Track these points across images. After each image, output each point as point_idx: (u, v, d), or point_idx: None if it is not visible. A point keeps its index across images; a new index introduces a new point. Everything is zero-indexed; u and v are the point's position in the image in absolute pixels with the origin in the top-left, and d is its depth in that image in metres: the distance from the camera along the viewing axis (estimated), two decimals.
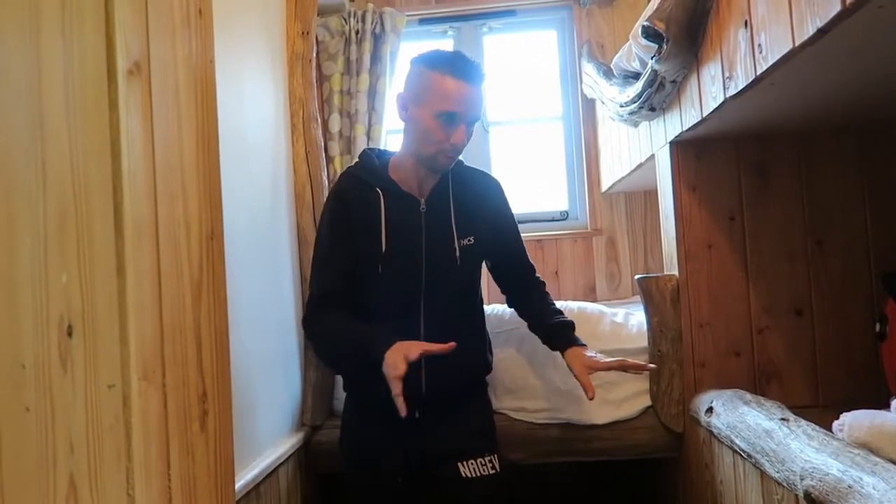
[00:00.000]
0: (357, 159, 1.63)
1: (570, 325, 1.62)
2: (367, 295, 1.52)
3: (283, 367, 1.76)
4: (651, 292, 1.75)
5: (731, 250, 1.73)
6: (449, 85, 1.43)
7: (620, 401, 1.78)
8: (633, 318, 1.90)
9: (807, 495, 1.01)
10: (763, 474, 1.21)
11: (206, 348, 0.76)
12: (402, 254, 1.51)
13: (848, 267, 1.69)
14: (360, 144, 2.97)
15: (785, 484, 1.11)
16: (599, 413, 1.77)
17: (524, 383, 1.81)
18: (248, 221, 1.60)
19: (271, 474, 1.53)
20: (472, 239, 1.57)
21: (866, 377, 1.64)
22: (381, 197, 1.51)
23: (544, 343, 1.64)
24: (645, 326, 1.78)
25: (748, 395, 1.44)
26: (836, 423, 1.20)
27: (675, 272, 1.74)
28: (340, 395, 1.91)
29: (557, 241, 2.98)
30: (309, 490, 1.81)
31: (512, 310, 1.77)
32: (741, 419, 1.32)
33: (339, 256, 1.51)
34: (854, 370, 1.65)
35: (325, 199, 1.70)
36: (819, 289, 1.69)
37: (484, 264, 1.69)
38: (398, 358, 1.31)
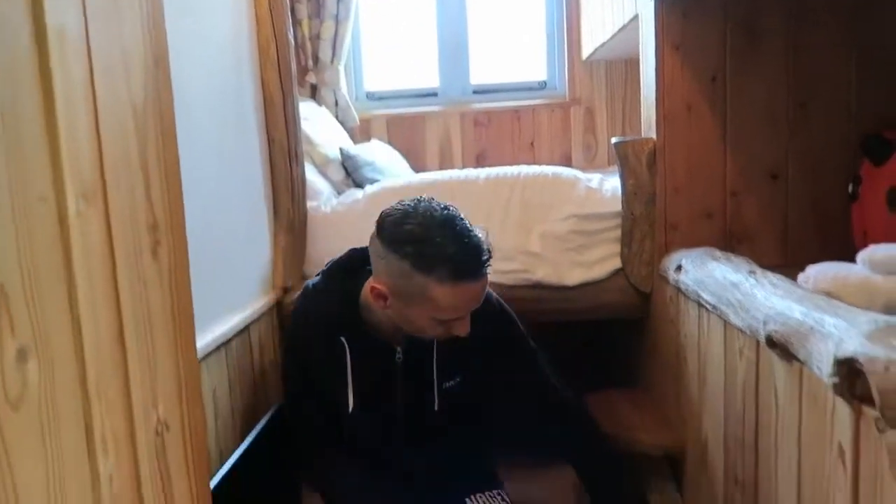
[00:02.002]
0: (322, 277, 1.34)
1: (618, 478, 1.40)
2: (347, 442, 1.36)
3: (250, 231, 1.72)
4: (627, 155, 1.71)
5: (711, 112, 1.68)
6: (453, 294, 1.11)
7: (592, 263, 1.79)
8: (607, 184, 1.87)
9: (768, 339, 1.03)
10: (726, 324, 1.24)
11: (155, 180, 0.71)
12: (374, 411, 1.32)
13: (829, 131, 1.66)
14: (330, 6, 2.81)
15: (748, 331, 1.13)
16: (570, 275, 1.78)
17: (496, 245, 1.80)
18: (207, 76, 1.50)
19: (242, 332, 1.53)
20: (458, 379, 1.33)
21: (836, 240, 1.65)
22: (347, 347, 1.26)
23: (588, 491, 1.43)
24: (619, 191, 1.76)
25: (717, 252, 1.45)
26: (801, 276, 1.22)
27: (653, 136, 1.70)
28: (313, 258, 1.90)
29: (534, 111, 2.91)
30: (285, 352, 1.83)
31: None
32: (709, 274, 1.33)
33: (311, 405, 1.36)
34: (824, 233, 1.66)
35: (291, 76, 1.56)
36: (797, 153, 1.67)
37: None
38: None
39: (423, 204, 1.14)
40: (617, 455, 1.43)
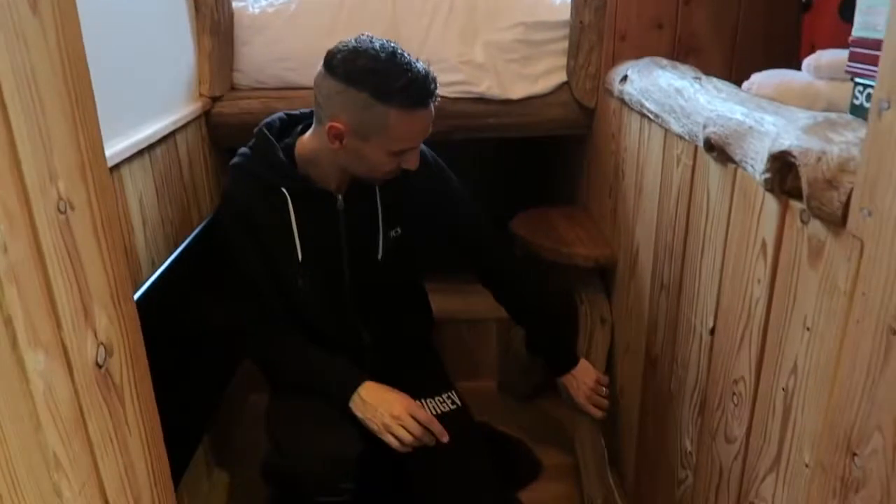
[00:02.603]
0: (253, 139, 1.31)
1: (566, 339, 1.52)
2: (292, 306, 1.35)
3: (170, 28, 1.57)
4: None
5: None
6: (409, 121, 1.16)
7: (536, 76, 1.73)
8: None
9: (706, 142, 1.02)
10: (667, 132, 1.22)
11: None
12: (322, 262, 1.32)
13: None
14: None
15: (687, 137, 1.12)
16: (515, 88, 1.72)
17: (438, 55, 1.71)
18: None
19: (167, 139, 1.44)
20: (399, 230, 1.38)
21: (783, 54, 1.62)
22: (289, 198, 1.27)
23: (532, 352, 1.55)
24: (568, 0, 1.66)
25: (664, 61, 1.41)
26: (745, 83, 1.19)
27: None
28: (242, 66, 1.77)
29: None
30: (215, 163, 1.76)
31: None
32: (654, 82, 1.30)
33: (259, 273, 1.31)
34: (773, 47, 1.63)
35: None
36: None
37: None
38: (407, 424, 1.21)
39: (366, 40, 1.17)
40: (556, 312, 1.55)
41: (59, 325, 0.58)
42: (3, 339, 0.50)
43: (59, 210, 0.59)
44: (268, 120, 1.33)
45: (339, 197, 1.31)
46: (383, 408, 1.23)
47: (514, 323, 1.57)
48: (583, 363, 1.52)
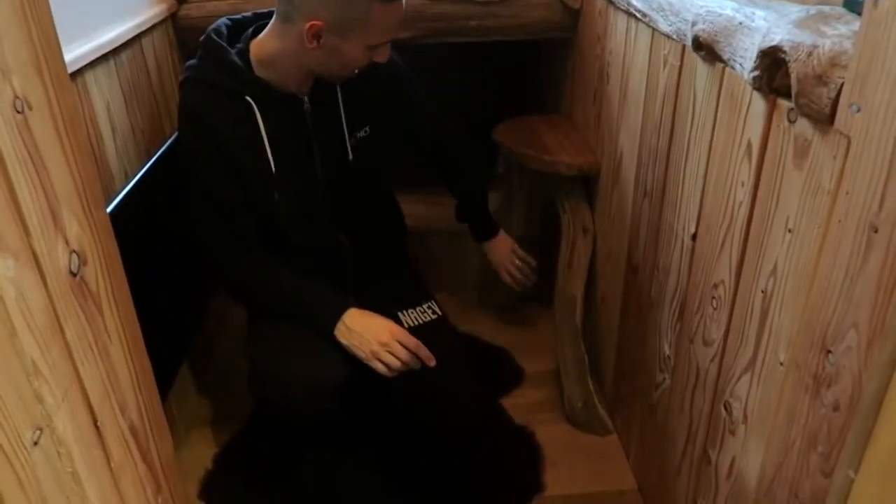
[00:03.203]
0: (201, 50, 1.21)
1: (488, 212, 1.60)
2: (269, 227, 1.27)
3: None
4: None
5: None
6: (389, 13, 1.14)
7: None
8: None
9: (695, 41, 0.99)
10: (654, 32, 1.18)
11: None
12: (296, 171, 1.27)
13: None
14: None
15: (675, 36, 1.08)
16: None
17: None
18: None
19: (132, 43, 1.37)
20: (367, 129, 1.34)
21: None
22: (255, 107, 1.21)
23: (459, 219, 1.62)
24: None
25: None
26: None
27: None
28: None
29: None
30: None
31: None
32: None
33: (228, 191, 1.23)
34: None
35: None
36: None
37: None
38: (395, 350, 1.23)
39: None
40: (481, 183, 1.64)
41: (26, 232, 0.55)
42: None
43: (15, 109, 0.56)
44: (213, 27, 1.24)
45: (305, 99, 1.26)
46: (370, 335, 1.23)
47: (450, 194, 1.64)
48: (502, 234, 1.63)
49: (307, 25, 1.12)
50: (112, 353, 0.71)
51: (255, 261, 1.29)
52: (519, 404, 1.68)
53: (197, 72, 1.21)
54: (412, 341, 1.26)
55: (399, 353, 1.23)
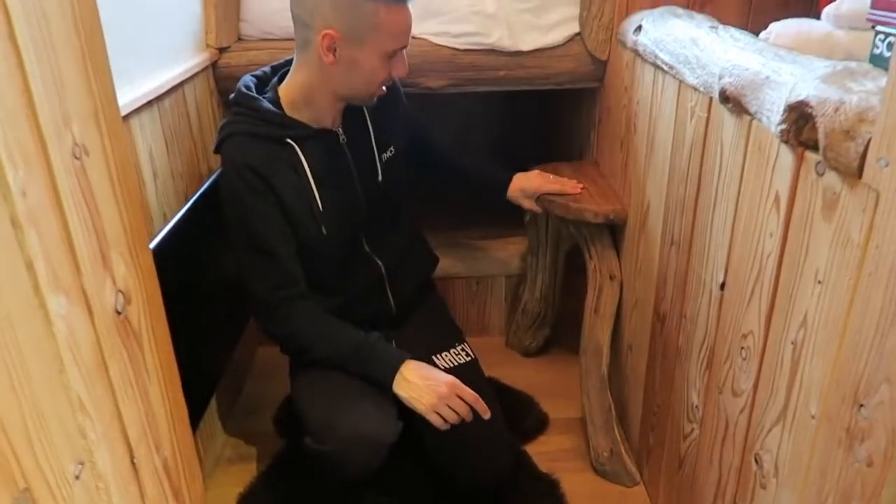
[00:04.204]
0: (234, 106, 1.26)
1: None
2: (313, 261, 1.32)
3: None
4: None
5: None
6: (397, 15, 1.18)
7: (548, 27, 1.69)
8: None
9: (722, 93, 1.01)
10: (681, 84, 1.21)
11: None
12: (340, 202, 1.31)
13: None
14: None
15: (702, 89, 1.10)
16: (526, 39, 1.69)
17: (448, 5, 1.68)
18: None
19: (175, 90, 1.43)
20: (392, 150, 1.41)
21: (803, 1, 1.59)
22: (297, 149, 1.25)
23: (481, 187, 1.67)
24: None
25: (680, 10, 1.38)
26: (763, 33, 1.17)
27: None
28: (248, 16, 1.74)
29: None
30: (223, 116, 1.75)
31: None
32: (669, 32, 1.27)
33: (281, 239, 1.26)
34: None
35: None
36: None
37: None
38: (454, 405, 1.24)
39: None
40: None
41: (78, 270, 0.58)
42: (25, 282, 0.50)
43: (74, 156, 0.59)
44: (241, 83, 1.29)
45: (340, 131, 1.31)
46: (429, 387, 1.23)
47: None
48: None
49: (321, 36, 1.16)
50: (150, 392, 0.73)
51: (307, 310, 1.29)
52: (543, 452, 1.66)
53: (236, 126, 1.24)
54: (470, 395, 1.26)
55: (458, 406, 1.24)
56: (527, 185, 1.63)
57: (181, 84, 1.46)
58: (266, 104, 1.24)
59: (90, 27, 0.63)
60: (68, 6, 0.59)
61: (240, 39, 1.76)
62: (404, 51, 1.25)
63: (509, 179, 1.63)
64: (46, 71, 0.55)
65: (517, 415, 1.76)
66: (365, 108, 1.34)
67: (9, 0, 0.50)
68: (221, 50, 1.70)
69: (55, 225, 0.55)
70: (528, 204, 1.64)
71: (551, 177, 1.65)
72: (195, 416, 1.39)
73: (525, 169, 1.69)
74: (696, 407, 1.20)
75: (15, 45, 0.51)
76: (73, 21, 0.60)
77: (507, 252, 2.04)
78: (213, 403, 1.61)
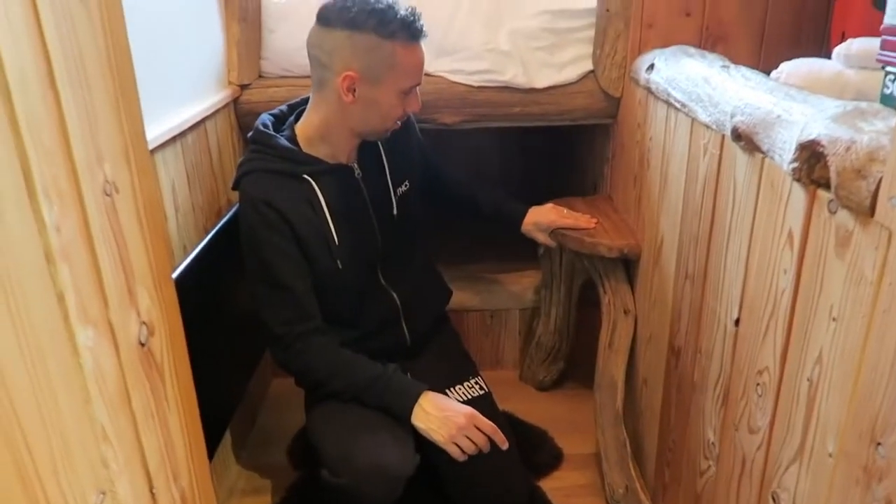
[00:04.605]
0: (252, 144, 1.30)
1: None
2: (329, 294, 1.34)
3: (198, 16, 1.60)
4: None
5: None
6: (412, 54, 1.23)
7: (562, 65, 1.73)
8: None
9: (734, 132, 1.02)
10: (694, 122, 1.22)
11: None
12: (355, 236, 1.34)
13: None
14: None
15: (714, 126, 1.12)
16: (540, 76, 1.72)
17: (463, 43, 1.72)
18: None
19: (198, 126, 1.47)
20: (407, 184, 1.44)
21: (813, 43, 1.61)
22: (314, 184, 1.28)
23: (495, 220, 1.67)
24: None
25: (692, 49, 1.40)
26: (774, 72, 1.19)
27: None
28: (269, 55, 1.79)
29: None
30: (243, 151, 1.79)
31: None
32: (681, 70, 1.30)
33: (297, 274, 1.28)
34: (802, 35, 1.61)
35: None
36: None
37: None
38: (472, 436, 1.24)
39: None
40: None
41: (106, 304, 0.60)
42: (56, 314, 0.52)
43: (105, 192, 0.61)
44: (259, 122, 1.32)
45: (356, 166, 1.34)
46: (448, 419, 1.24)
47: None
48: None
49: (342, 77, 1.20)
50: (170, 423, 0.74)
51: (323, 345, 1.30)
52: (558, 487, 1.65)
53: (254, 164, 1.27)
54: (489, 426, 1.26)
55: (476, 438, 1.24)
56: (541, 218, 1.64)
57: (203, 120, 1.50)
58: (283, 141, 1.27)
59: (123, 67, 0.65)
60: (103, 47, 0.62)
61: (260, 76, 1.81)
62: (417, 87, 1.29)
63: (524, 213, 1.65)
64: (82, 110, 0.58)
65: (531, 449, 1.75)
66: (380, 143, 1.37)
67: (49, 41, 0.53)
68: (243, 87, 1.74)
69: (86, 259, 0.57)
70: (542, 238, 1.65)
71: (565, 211, 1.66)
72: (210, 446, 1.40)
73: (539, 203, 1.71)
74: (713, 443, 1.19)
75: (53, 86, 0.53)
76: (108, 61, 0.62)
77: (522, 285, 2.04)
78: (227, 435, 1.62)
